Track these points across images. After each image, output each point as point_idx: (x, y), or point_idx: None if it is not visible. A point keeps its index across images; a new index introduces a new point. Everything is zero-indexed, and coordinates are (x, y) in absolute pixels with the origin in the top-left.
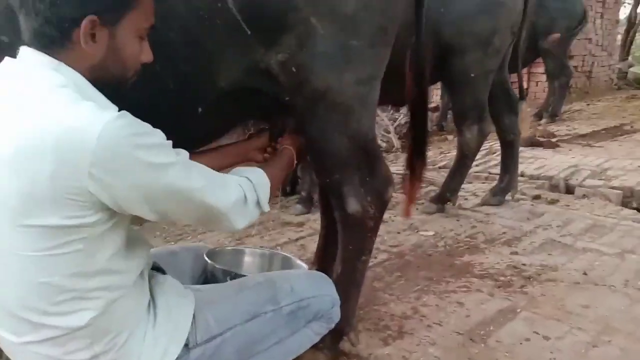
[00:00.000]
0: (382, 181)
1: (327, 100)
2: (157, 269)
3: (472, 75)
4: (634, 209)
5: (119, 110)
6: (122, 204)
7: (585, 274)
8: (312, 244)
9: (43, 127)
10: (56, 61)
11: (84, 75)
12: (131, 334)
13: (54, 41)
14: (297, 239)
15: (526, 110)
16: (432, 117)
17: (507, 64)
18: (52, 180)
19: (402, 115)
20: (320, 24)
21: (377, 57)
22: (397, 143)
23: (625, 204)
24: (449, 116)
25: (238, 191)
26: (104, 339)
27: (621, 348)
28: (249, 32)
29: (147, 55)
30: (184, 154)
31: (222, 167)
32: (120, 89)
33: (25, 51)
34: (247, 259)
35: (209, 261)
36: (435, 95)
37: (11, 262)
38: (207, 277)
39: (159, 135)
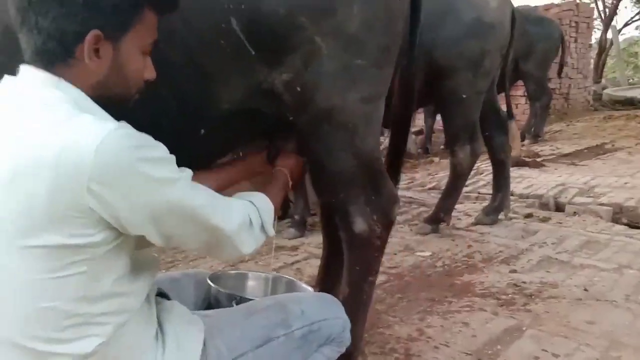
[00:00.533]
0: (387, 199)
1: (332, 120)
2: (161, 294)
3: (464, 96)
4: (624, 224)
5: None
6: (124, 223)
7: (586, 290)
8: (308, 268)
9: (40, 143)
10: (56, 78)
11: (87, 93)
12: None
13: (57, 57)
14: (292, 263)
15: (516, 129)
16: (417, 140)
17: (495, 85)
18: (50, 197)
19: (386, 139)
20: (324, 44)
21: (381, 76)
22: None
23: (615, 220)
24: (432, 139)
25: (243, 214)
26: None
27: None
28: (253, 53)
29: (150, 72)
30: (187, 171)
31: (231, 182)
32: (121, 108)
33: (25, 69)
34: (251, 283)
35: (212, 285)
36: (419, 119)
37: (11, 288)
38: (211, 302)
39: (161, 149)
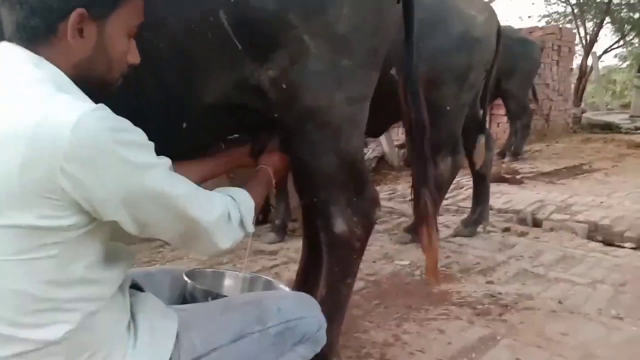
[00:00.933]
0: (369, 202)
1: (317, 119)
2: (135, 287)
3: (448, 108)
4: (599, 241)
5: None
6: (97, 207)
7: (560, 302)
8: (287, 272)
9: (16, 120)
10: (36, 56)
11: (67, 73)
12: (110, 353)
13: (38, 34)
14: (271, 267)
15: (483, 144)
16: (399, 153)
17: (478, 99)
18: (22, 174)
19: (371, 150)
20: (313, 43)
21: (367, 77)
22: None
23: (590, 237)
24: None
25: (222, 208)
26: (80, 357)
27: None
28: (240, 47)
29: (134, 57)
30: (166, 160)
31: (214, 174)
32: (104, 95)
33: (4, 46)
34: (228, 282)
35: (189, 281)
36: (401, 132)
37: None
38: (186, 298)
39: (140, 134)
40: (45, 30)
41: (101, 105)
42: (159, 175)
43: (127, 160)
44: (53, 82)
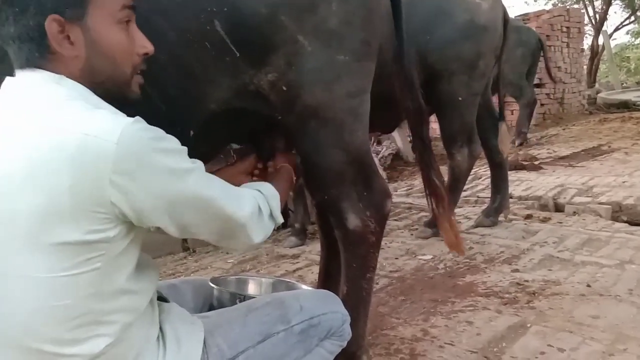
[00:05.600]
0: (379, 194)
1: (320, 116)
2: (160, 298)
3: (460, 98)
4: (624, 222)
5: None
6: (142, 215)
7: (588, 285)
8: (310, 275)
9: (58, 139)
10: (57, 75)
11: (82, 83)
12: None
13: (37, 58)
14: (294, 271)
15: (506, 130)
16: None
17: (490, 87)
18: (71, 193)
19: (385, 148)
20: (307, 41)
21: (364, 70)
22: (383, 174)
23: (615, 218)
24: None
25: (253, 202)
26: None
27: (638, 355)
28: (238, 54)
29: (143, 45)
30: (199, 162)
31: None
32: (122, 101)
33: (22, 74)
34: (251, 287)
35: (215, 287)
36: None
37: (22, 286)
38: (213, 304)
39: (175, 141)
40: (40, 51)
41: (137, 117)
42: (198, 179)
43: (169, 168)
44: (81, 97)
